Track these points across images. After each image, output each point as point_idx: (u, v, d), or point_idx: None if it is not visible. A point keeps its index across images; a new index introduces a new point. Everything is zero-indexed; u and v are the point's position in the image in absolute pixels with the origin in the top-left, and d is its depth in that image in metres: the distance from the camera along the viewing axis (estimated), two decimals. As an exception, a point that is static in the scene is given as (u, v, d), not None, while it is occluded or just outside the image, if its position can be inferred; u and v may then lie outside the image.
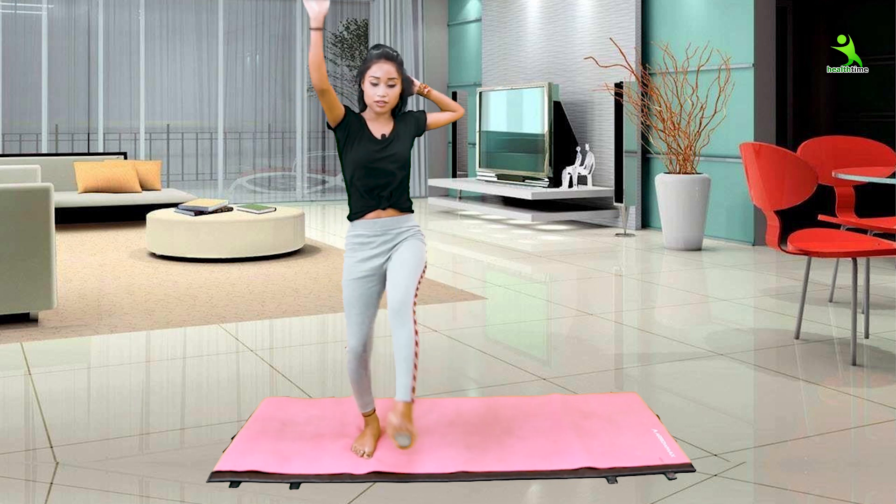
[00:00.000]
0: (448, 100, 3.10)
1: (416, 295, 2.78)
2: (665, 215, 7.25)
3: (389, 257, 2.86)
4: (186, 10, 11.06)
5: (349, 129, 2.88)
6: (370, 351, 2.88)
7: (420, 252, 2.87)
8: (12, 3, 10.33)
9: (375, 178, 2.86)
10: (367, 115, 2.91)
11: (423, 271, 2.86)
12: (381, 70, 2.83)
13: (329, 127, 2.90)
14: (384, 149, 2.86)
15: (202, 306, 5.05)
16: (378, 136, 2.88)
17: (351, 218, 2.91)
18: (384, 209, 2.87)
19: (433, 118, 3.04)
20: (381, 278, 2.88)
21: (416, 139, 3.02)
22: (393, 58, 2.86)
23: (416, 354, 2.70)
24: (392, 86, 2.85)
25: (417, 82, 3.02)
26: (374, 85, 2.85)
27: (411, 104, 11.01)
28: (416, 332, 2.73)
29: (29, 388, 3.61)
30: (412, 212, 2.95)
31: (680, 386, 3.67)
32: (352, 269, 2.88)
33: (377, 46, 2.91)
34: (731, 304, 5.19)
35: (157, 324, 4.64)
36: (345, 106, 2.90)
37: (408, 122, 2.95)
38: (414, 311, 2.74)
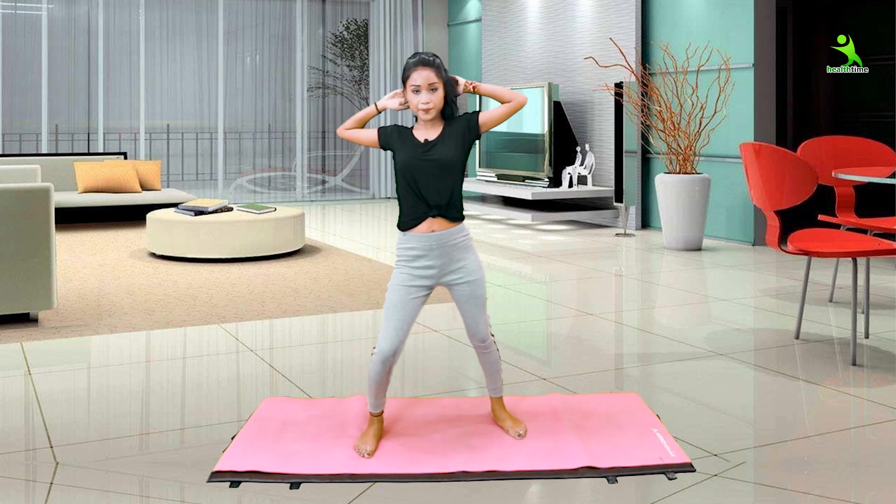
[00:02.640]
0: (502, 91, 2.94)
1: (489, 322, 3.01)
2: (665, 215, 7.25)
3: (449, 277, 2.90)
4: (186, 10, 11.06)
5: (391, 141, 2.91)
6: (398, 357, 2.87)
7: (482, 277, 2.97)
8: (12, 3, 10.33)
9: (418, 183, 2.83)
10: (417, 124, 2.92)
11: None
12: (420, 77, 2.82)
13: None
14: (426, 153, 2.84)
15: (202, 306, 5.05)
16: (422, 140, 2.87)
17: (401, 227, 2.88)
18: (434, 217, 2.84)
19: (487, 115, 2.92)
20: (429, 290, 2.91)
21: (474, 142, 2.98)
22: (430, 62, 2.84)
23: (500, 368, 3.09)
24: (434, 90, 2.83)
25: (462, 81, 2.96)
26: (416, 92, 2.84)
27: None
28: (497, 350, 3.07)
29: (29, 388, 3.61)
30: (463, 219, 2.92)
31: (680, 386, 3.67)
32: (403, 276, 2.87)
33: (414, 55, 2.90)
34: (731, 304, 5.19)
35: (157, 324, 4.64)
36: (379, 128, 2.94)
37: (457, 125, 2.90)
38: (492, 335, 3.04)
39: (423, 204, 2.84)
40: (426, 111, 2.84)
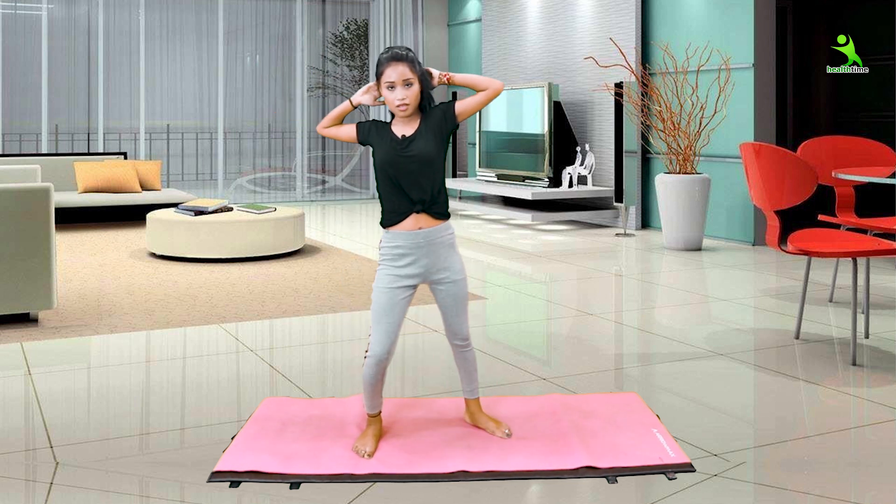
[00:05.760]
0: (477, 79, 2.86)
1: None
2: (665, 215, 7.25)
3: (435, 276, 2.88)
4: (186, 10, 11.06)
5: (370, 137, 2.87)
6: (391, 358, 2.86)
7: (466, 277, 2.97)
8: (12, 3, 10.33)
9: (399, 179, 2.80)
10: (395, 119, 2.87)
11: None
12: (394, 73, 2.76)
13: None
14: (405, 148, 2.79)
15: (202, 306, 5.05)
16: (399, 136, 2.83)
17: (384, 224, 2.85)
18: (418, 213, 2.81)
19: (464, 105, 2.85)
20: (414, 289, 2.88)
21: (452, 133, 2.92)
22: (403, 57, 2.77)
23: (476, 367, 3.10)
24: (409, 85, 2.77)
25: (436, 73, 2.89)
26: (391, 89, 2.78)
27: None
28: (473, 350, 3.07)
29: (29, 388, 3.61)
30: (448, 217, 2.88)
31: (680, 386, 3.67)
32: (388, 278, 2.84)
33: (387, 50, 2.83)
34: (731, 304, 5.19)
35: (157, 324, 4.64)
36: (357, 123, 2.91)
37: (434, 117, 2.84)
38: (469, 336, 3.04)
39: (407, 200, 2.81)
40: (403, 109, 2.79)
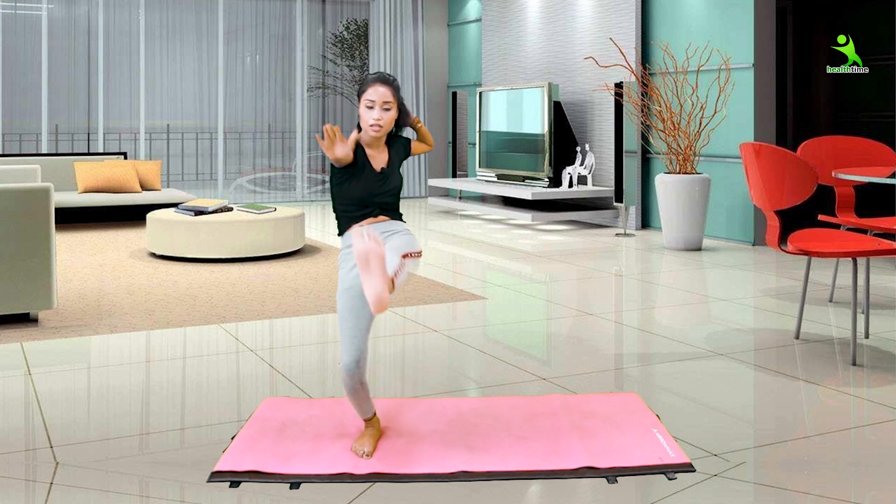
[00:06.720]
0: (429, 134, 3.20)
1: (405, 263, 2.71)
2: (665, 215, 7.25)
3: None
4: (186, 10, 11.06)
5: (356, 160, 2.88)
6: (364, 367, 2.80)
7: (411, 237, 2.88)
8: (12, 3, 10.33)
9: (372, 204, 2.91)
10: (363, 139, 2.91)
11: (419, 254, 2.79)
12: (376, 93, 2.85)
13: (332, 166, 2.90)
14: (384, 183, 2.91)
15: (202, 306, 5.05)
16: (378, 169, 2.91)
17: (342, 233, 2.93)
18: (376, 216, 2.93)
19: (415, 148, 3.13)
20: None
21: None
22: (389, 82, 2.89)
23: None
24: (387, 109, 2.87)
25: (413, 115, 3.08)
26: (370, 108, 2.86)
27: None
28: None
29: (29, 388, 3.61)
30: (401, 220, 3.01)
31: (680, 386, 3.67)
32: (344, 279, 2.86)
33: (375, 73, 2.95)
34: (731, 304, 5.19)
35: (157, 324, 4.64)
36: (358, 145, 2.91)
37: (399, 146, 3.01)
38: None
39: (370, 213, 2.91)
40: (376, 129, 2.86)
